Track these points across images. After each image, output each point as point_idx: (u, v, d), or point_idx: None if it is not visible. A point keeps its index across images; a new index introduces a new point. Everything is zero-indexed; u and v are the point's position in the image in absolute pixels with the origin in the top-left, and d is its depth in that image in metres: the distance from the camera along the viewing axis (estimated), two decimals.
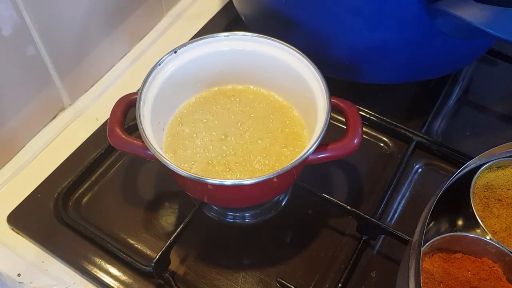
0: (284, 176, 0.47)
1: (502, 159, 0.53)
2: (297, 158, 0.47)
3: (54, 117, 0.67)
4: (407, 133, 0.64)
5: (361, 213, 0.54)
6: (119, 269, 0.54)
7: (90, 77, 0.70)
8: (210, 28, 0.77)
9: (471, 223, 0.50)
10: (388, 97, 0.70)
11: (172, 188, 0.61)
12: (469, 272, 0.48)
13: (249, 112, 0.58)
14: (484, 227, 0.49)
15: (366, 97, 0.68)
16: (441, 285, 0.46)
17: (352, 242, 0.56)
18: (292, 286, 0.52)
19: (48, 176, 0.61)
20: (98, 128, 0.66)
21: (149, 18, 0.76)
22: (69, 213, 0.58)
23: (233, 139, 0.56)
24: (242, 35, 0.56)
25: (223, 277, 0.54)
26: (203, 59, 0.57)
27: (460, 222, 0.54)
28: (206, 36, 0.56)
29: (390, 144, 0.65)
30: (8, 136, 0.61)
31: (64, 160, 0.63)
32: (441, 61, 0.63)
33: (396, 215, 0.59)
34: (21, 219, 0.58)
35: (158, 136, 0.53)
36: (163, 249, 0.52)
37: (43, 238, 0.56)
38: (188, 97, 0.59)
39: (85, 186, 0.61)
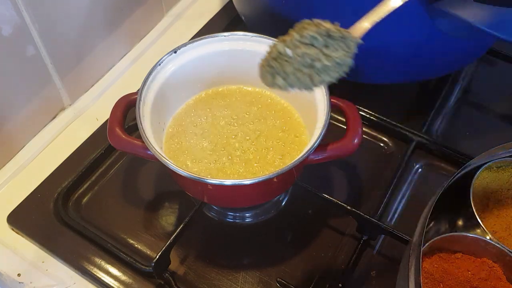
0: (284, 176, 0.47)
1: (502, 159, 0.53)
2: (297, 158, 0.47)
3: (54, 117, 0.67)
4: (407, 133, 0.64)
5: (361, 213, 0.54)
6: (119, 269, 0.54)
7: (90, 77, 0.70)
8: (210, 28, 0.77)
9: (471, 223, 0.50)
10: (388, 97, 0.70)
11: (172, 188, 0.61)
12: (469, 272, 0.48)
13: (249, 112, 0.58)
14: (484, 227, 0.48)
15: (366, 97, 0.68)
16: (441, 285, 0.46)
17: (352, 242, 0.56)
18: (292, 286, 0.52)
19: (48, 176, 0.61)
20: (98, 128, 0.66)
21: (149, 18, 0.76)
22: (69, 213, 0.58)
23: (232, 139, 0.56)
24: (242, 35, 0.56)
25: (223, 277, 0.54)
26: (203, 59, 0.57)
27: (460, 222, 0.54)
28: (206, 36, 0.56)
29: (390, 144, 0.65)
30: (8, 136, 0.61)
31: (64, 160, 0.63)
32: (441, 61, 0.63)
33: (396, 215, 0.59)
34: (21, 219, 0.58)
35: (158, 136, 0.53)
36: (163, 249, 0.52)
37: (43, 238, 0.56)
38: (188, 97, 0.59)
39: (85, 186, 0.61)
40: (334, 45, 0.37)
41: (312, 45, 0.36)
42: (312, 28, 0.37)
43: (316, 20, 0.37)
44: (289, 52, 0.36)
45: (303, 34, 0.36)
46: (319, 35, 0.36)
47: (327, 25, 0.37)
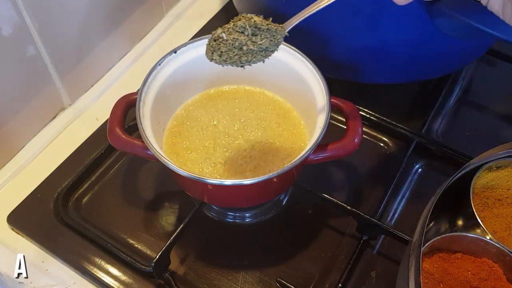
0: (284, 176, 0.47)
1: (502, 159, 0.53)
2: (297, 158, 0.47)
3: (54, 117, 0.67)
4: (407, 133, 0.64)
5: (361, 213, 0.54)
6: (119, 269, 0.54)
7: (90, 77, 0.70)
8: (210, 28, 0.76)
9: (471, 223, 0.50)
10: (388, 97, 0.70)
11: (172, 188, 0.61)
12: (469, 272, 0.48)
13: (249, 112, 0.58)
14: (484, 227, 0.49)
15: (366, 97, 0.68)
16: (441, 285, 0.46)
17: (352, 242, 0.56)
18: (292, 286, 0.52)
19: (48, 176, 0.61)
20: (98, 128, 0.66)
21: (149, 18, 0.76)
22: (69, 213, 0.58)
23: (233, 139, 0.56)
24: None
25: (223, 277, 0.54)
26: (203, 59, 0.56)
27: (460, 222, 0.54)
28: (206, 36, 0.56)
29: (390, 144, 0.65)
30: (8, 136, 0.61)
31: (64, 160, 0.63)
32: (441, 61, 0.63)
33: (396, 215, 0.59)
34: (21, 219, 0.58)
35: (158, 136, 0.53)
36: (163, 249, 0.52)
37: (43, 238, 0.56)
38: (188, 97, 0.59)
39: (85, 186, 0.61)
40: (261, 34, 0.46)
41: (243, 33, 0.46)
42: (243, 20, 0.46)
43: (250, 15, 0.47)
44: (224, 36, 0.46)
45: (236, 24, 0.46)
46: (248, 26, 0.46)
47: (257, 18, 0.47)
